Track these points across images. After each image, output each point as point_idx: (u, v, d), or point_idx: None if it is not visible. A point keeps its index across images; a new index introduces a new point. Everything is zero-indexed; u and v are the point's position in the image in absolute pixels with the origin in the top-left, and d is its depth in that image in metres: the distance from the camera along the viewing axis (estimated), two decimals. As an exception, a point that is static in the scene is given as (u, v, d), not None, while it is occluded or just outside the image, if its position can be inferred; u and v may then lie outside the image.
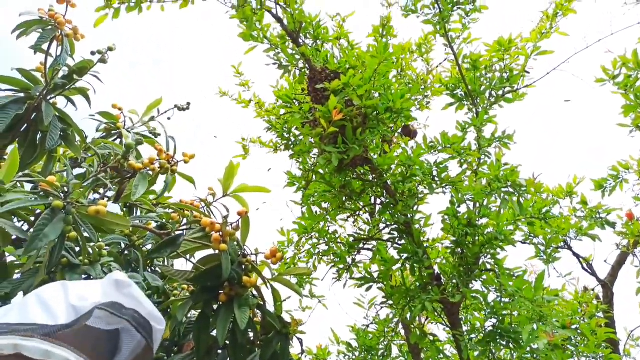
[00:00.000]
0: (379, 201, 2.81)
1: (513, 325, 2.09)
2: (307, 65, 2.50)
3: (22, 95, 1.88)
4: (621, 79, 2.43)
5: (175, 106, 2.52)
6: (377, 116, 2.23)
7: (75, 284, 0.63)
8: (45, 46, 1.86)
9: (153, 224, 2.10)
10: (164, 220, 2.12)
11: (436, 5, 2.72)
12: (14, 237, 1.50)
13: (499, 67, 2.81)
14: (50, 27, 1.89)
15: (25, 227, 1.76)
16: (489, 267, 2.45)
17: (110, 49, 2.10)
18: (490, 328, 2.24)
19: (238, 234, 1.83)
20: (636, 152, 2.84)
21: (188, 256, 1.97)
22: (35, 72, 1.96)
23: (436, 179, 2.27)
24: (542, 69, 2.95)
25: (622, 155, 2.88)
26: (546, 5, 2.88)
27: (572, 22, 2.81)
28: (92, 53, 2.04)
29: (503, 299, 2.21)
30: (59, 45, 1.92)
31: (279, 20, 2.57)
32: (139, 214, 2.27)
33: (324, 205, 2.81)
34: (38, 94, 1.87)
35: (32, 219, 1.77)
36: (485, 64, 2.80)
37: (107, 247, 1.86)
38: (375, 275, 2.60)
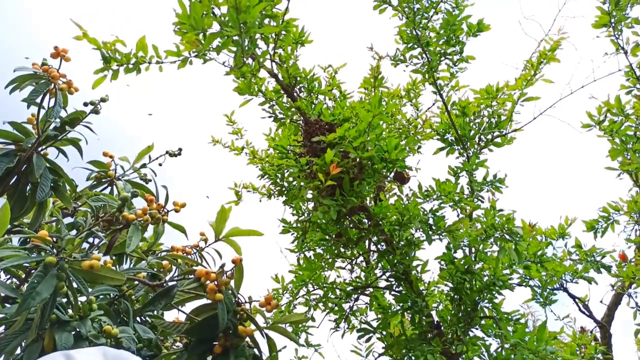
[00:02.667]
0: (374, 248, 2.80)
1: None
2: (302, 118, 2.55)
3: (13, 147, 1.87)
4: (606, 124, 2.50)
5: (167, 152, 2.52)
6: (372, 166, 2.27)
7: (91, 357, 0.60)
8: (38, 99, 1.88)
9: (143, 274, 2.06)
10: (155, 269, 2.08)
11: (424, 55, 2.81)
12: (3, 295, 1.45)
13: (487, 112, 2.89)
14: (43, 81, 1.90)
15: (14, 282, 1.72)
16: (487, 312, 2.43)
17: (103, 100, 2.12)
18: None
19: (232, 282, 1.80)
20: (625, 194, 2.89)
21: (180, 306, 1.93)
22: (27, 124, 1.96)
23: (433, 227, 2.28)
24: (529, 114, 3.04)
25: (611, 197, 2.94)
26: (530, 53, 2.99)
27: (556, 69, 2.92)
28: (85, 104, 2.06)
29: (504, 346, 2.17)
30: (52, 98, 1.93)
31: (274, 75, 2.64)
32: (129, 261, 2.23)
33: (319, 251, 2.80)
34: (29, 145, 1.86)
35: (21, 273, 1.72)
36: (474, 109, 2.87)
37: (98, 298, 1.81)
38: (374, 323, 2.55)
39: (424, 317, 2.40)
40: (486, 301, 2.42)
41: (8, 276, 1.72)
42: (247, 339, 1.76)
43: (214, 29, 1.69)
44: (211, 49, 1.74)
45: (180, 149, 2.51)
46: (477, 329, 2.47)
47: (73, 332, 1.57)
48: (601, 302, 3.74)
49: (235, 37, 1.61)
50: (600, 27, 2.66)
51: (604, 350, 3.46)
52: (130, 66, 2.19)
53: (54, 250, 1.40)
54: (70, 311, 1.68)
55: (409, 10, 2.68)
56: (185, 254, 1.96)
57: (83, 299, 1.64)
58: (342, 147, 2.29)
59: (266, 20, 1.83)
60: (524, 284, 2.72)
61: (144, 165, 2.40)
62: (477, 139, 2.92)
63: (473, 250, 2.49)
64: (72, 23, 2.09)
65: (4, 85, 1.88)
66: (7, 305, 1.67)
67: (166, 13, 1.94)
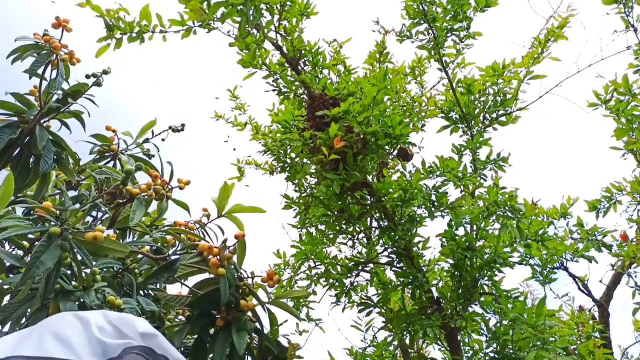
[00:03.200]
0: (376, 224, 2.81)
1: (514, 350, 2.08)
2: (306, 92, 2.53)
3: (15, 119, 1.87)
4: (613, 103, 2.48)
5: (170, 127, 2.51)
6: (376, 142, 2.26)
7: (95, 317, 0.60)
8: (40, 70, 1.86)
9: (147, 248, 2.08)
10: (159, 244, 2.09)
11: (430, 31, 2.77)
12: (8, 264, 1.47)
13: (492, 90, 2.86)
14: (45, 52, 1.89)
15: (19, 254, 1.73)
16: (486, 289, 2.45)
17: (105, 72, 2.10)
18: (492, 354, 2.23)
19: (234, 257, 1.81)
20: (628, 174, 2.88)
21: (182, 280, 1.95)
22: (29, 96, 1.95)
23: (435, 203, 2.28)
24: (534, 93, 3.01)
25: (614, 177, 2.93)
26: (538, 31, 2.94)
27: (563, 47, 2.88)
28: (87, 76, 2.04)
29: (503, 322, 2.20)
30: (54, 69, 1.92)
31: (278, 48, 2.61)
32: (132, 236, 2.25)
33: (321, 227, 2.81)
34: (32, 117, 1.86)
35: (25, 243, 1.74)
36: (479, 87, 2.84)
37: (102, 270, 1.83)
38: (374, 299, 2.58)
39: (424, 293, 2.42)
40: (486, 278, 2.44)
41: (12, 246, 1.73)
42: (249, 313, 1.79)
43: (219, -4, 1.67)
44: (215, 18, 1.71)
45: (183, 125, 2.50)
46: (476, 305, 2.49)
47: (77, 302, 1.59)
48: (600, 281, 3.77)
49: (240, 7, 1.58)
50: (610, 4, 2.60)
51: (601, 329, 3.50)
52: (134, 35, 2.16)
53: (58, 222, 1.41)
54: (74, 282, 1.70)
55: (416, -16, 2.64)
56: (187, 229, 1.98)
57: (87, 271, 1.66)
58: (346, 122, 2.28)
59: (271, -9, 1.80)
60: (524, 262, 2.74)
61: (146, 140, 2.40)
62: (481, 117, 2.90)
63: (475, 227, 2.50)
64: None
65: (5, 55, 1.87)
66: (11, 276, 1.69)
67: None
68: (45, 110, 1.89)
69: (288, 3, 2.32)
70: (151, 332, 0.62)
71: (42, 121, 1.90)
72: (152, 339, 0.61)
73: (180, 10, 1.90)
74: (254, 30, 2.30)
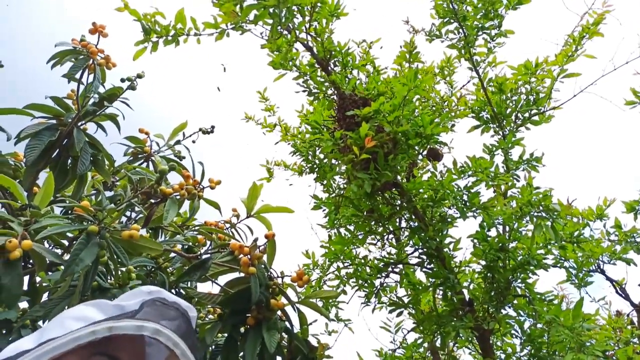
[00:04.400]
0: (405, 225, 2.79)
1: (550, 353, 2.03)
2: (336, 92, 2.53)
3: (54, 122, 1.93)
4: (651, 101, 2.39)
5: (200, 129, 2.55)
6: (406, 141, 2.24)
7: (104, 300, 0.68)
8: (77, 74, 1.92)
9: (179, 247, 2.12)
10: (191, 243, 2.13)
11: (461, 30, 2.73)
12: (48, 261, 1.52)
13: (524, 89, 2.79)
14: (82, 57, 1.95)
15: (58, 251, 1.79)
16: (519, 291, 2.40)
17: (139, 76, 2.16)
18: (525, 358, 2.18)
19: (264, 257, 1.83)
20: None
21: (213, 279, 1.97)
22: (67, 100, 2.02)
23: (467, 203, 2.25)
24: (569, 91, 2.93)
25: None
26: (572, 28, 2.87)
27: (599, 44, 2.79)
28: (122, 80, 2.10)
29: (538, 325, 2.15)
30: (91, 74, 1.98)
31: (309, 49, 2.63)
32: (164, 236, 2.29)
33: (350, 227, 2.80)
34: (70, 120, 1.92)
35: (64, 242, 1.79)
36: (511, 86, 2.78)
37: (136, 269, 1.87)
38: (405, 299, 2.56)
39: (455, 294, 2.39)
40: (519, 281, 2.39)
41: (52, 244, 1.79)
42: (279, 312, 1.80)
43: (251, 0, 1.69)
44: (248, 20, 1.74)
45: (213, 127, 2.54)
46: (509, 307, 2.44)
47: (113, 299, 1.63)
48: (639, 285, 3.63)
49: (272, 9, 1.60)
50: (649, -2, 2.52)
51: (640, 335, 3.38)
52: (169, 38, 2.22)
53: (96, 220, 1.45)
54: (110, 280, 1.74)
55: (446, -17, 2.61)
56: (218, 229, 2.01)
57: (123, 269, 1.70)
58: (376, 122, 2.27)
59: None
60: (559, 264, 2.67)
61: (178, 142, 2.45)
62: (513, 117, 2.84)
63: (507, 228, 2.44)
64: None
65: (45, 61, 1.94)
66: (50, 273, 1.75)
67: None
68: (83, 113, 1.95)
69: (319, 4, 2.33)
70: (156, 289, 0.71)
71: (79, 124, 1.97)
72: (160, 293, 0.70)
73: (213, 14, 1.94)
74: (286, 32, 2.32)
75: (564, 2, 3.00)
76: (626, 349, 2.46)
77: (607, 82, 2.99)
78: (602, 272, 3.16)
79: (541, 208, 2.08)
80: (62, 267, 1.39)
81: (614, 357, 2.39)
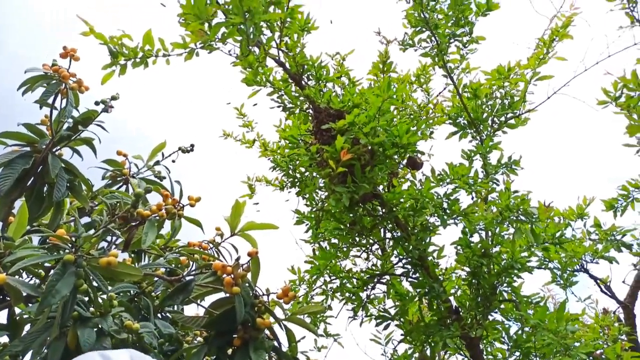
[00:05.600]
0: (389, 235, 2.79)
1: (540, 357, 2.03)
2: (311, 106, 2.54)
3: (28, 149, 1.90)
4: (623, 100, 2.44)
5: (179, 149, 2.52)
6: (384, 152, 2.25)
7: (122, 357, 0.62)
8: (50, 100, 1.89)
9: (162, 269, 2.08)
10: (173, 265, 2.10)
11: (433, 39, 2.77)
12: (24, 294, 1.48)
13: (499, 94, 2.84)
14: (54, 81, 1.92)
15: (35, 282, 1.74)
16: (506, 295, 2.41)
17: (114, 98, 2.13)
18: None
19: (249, 275, 1.80)
20: (644, 172, 2.82)
21: (198, 301, 1.94)
22: (41, 126, 1.99)
23: (447, 211, 2.26)
24: (543, 94, 2.99)
25: (630, 175, 2.87)
26: (542, 31, 2.93)
27: (569, 46, 2.86)
28: (96, 103, 2.07)
29: (524, 329, 2.16)
30: (64, 98, 1.95)
31: (281, 64, 2.63)
32: (147, 259, 2.26)
33: (334, 241, 2.79)
34: (44, 146, 1.88)
35: (41, 272, 1.75)
36: (486, 91, 2.83)
37: (119, 295, 1.83)
38: (392, 311, 2.55)
39: (441, 303, 2.39)
40: (505, 285, 2.40)
41: (30, 276, 1.75)
42: (266, 331, 1.77)
43: (219, 18, 1.69)
44: (217, 39, 1.74)
45: (192, 145, 2.52)
46: (496, 312, 2.45)
47: (95, 329, 1.59)
48: (623, 282, 3.68)
49: (241, 26, 1.60)
50: (613, 0, 2.59)
51: (628, 331, 3.41)
52: (138, 60, 2.20)
53: (72, 248, 1.42)
54: (92, 308, 1.70)
55: (416, -7, 2.64)
56: (201, 249, 1.98)
57: (104, 296, 1.66)
58: (352, 134, 2.28)
59: (270, 8, 1.82)
60: (543, 266, 2.69)
61: (157, 163, 2.42)
62: (490, 122, 2.88)
63: (489, 233, 2.46)
64: (79, 19, 2.10)
65: (16, 87, 1.90)
66: (30, 305, 1.71)
67: (171, 5, 1.94)
68: (57, 139, 1.92)
69: (288, 19, 2.34)
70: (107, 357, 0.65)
71: (54, 149, 1.93)
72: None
73: (182, 33, 1.94)
74: (256, 49, 2.33)
75: (533, 6, 3.07)
76: (614, 347, 2.48)
77: (579, 82, 3.05)
78: (586, 271, 3.20)
79: (520, 212, 2.10)
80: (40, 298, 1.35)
81: (603, 356, 2.41)
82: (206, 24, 1.70)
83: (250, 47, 1.77)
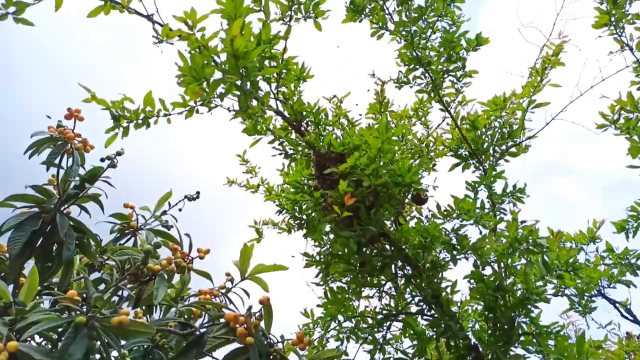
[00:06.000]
0: (400, 273, 2.77)
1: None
2: (312, 151, 2.57)
3: (36, 210, 1.92)
4: (622, 122, 2.47)
5: (185, 197, 2.54)
6: (387, 192, 2.26)
7: None
8: (56, 160, 1.93)
9: (173, 322, 2.06)
10: (185, 317, 2.08)
11: (427, 75, 2.83)
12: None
13: (498, 123, 2.87)
14: (60, 142, 1.96)
15: (47, 347, 1.72)
16: (525, 327, 2.36)
17: (119, 154, 2.17)
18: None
19: (262, 323, 1.78)
20: (651, 189, 2.81)
21: (212, 352, 1.91)
22: (48, 186, 2.02)
23: (457, 247, 2.25)
24: (541, 120, 3.02)
25: (636, 196, 2.86)
26: (534, 60, 2.99)
27: (563, 72, 2.91)
28: (102, 159, 2.11)
29: (547, 362, 2.10)
30: (69, 157, 1.98)
31: (279, 113, 2.68)
32: (158, 310, 2.23)
33: (345, 280, 2.77)
34: (52, 206, 1.90)
35: (53, 335, 1.73)
36: (484, 122, 2.86)
37: (132, 351, 1.80)
38: (409, 350, 2.49)
39: (460, 341, 2.33)
40: (522, 316, 2.35)
41: (42, 339, 1.73)
42: (283, 379, 1.73)
43: (216, 76, 1.74)
44: (215, 95, 1.78)
45: (198, 193, 2.54)
46: (516, 347, 2.39)
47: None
48: (643, 304, 3.60)
49: (237, 82, 1.64)
50: (601, 27, 2.64)
51: (653, 354, 3.31)
52: (140, 121, 2.25)
53: (84, 309, 1.41)
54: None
55: (407, 33, 2.72)
56: (212, 296, 1.96)
57: (116, 354, 1.64)
58: (355, 176, 2.29)
59: (266, 62, 1.87)
60: (560, 293, 2.64)
61: (164, 213, 2.43)
62: (491, 151, 2.90)
63: (502, 265, 2.43)
64: (81, 87, 2.17)
65: (23, 150, 1.94)
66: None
67: (169, 65, 2.00)
68: (64, 198, 1.94)
69: (284, 71, 2.41)
70: None
71: (62, 209, 1.95)
72: None
73: (181, 92, 1.98)
74: (254, 102, 2.38)
75: (523, 36, 3.14)
76: (641, 373, 2.40)
77: (576, 106, 3.09)
78: (604, 295, 3.13)
79: (529, 243, 2.08)
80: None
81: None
82: (205, 82, 1.74)
83: (248, 102, 1.81)
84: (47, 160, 1.93)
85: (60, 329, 1.63)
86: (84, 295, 1.59)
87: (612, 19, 2.52)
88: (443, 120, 3.58)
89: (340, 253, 2.45)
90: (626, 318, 3.46)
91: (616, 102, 2.50)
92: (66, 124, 2.01)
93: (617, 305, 3.32)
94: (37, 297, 1.77)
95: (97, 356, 1.67)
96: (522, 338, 2.35)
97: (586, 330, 2.34)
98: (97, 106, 2.31)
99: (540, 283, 2.33)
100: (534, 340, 2.23)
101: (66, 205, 1.99)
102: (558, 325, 2.46)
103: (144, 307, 2.18)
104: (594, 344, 2.39)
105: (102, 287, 1.96)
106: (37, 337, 1.77)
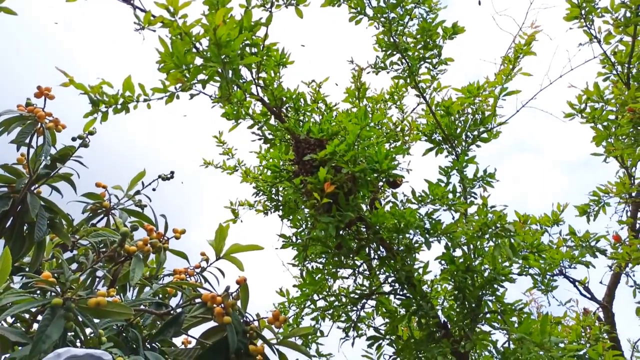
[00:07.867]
0: (375, 255, 2.83)
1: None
2: (291, 137, 2.58)
3: (5, 189, 1.88)
4: (588, 111, 2.56)
5: (159, 176, 2.51)
6: (365, 178, 2.30)
7: None
8: (26, 140, 1.88)
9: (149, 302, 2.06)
10: (160, 296, 2.08)
11: (404, 61, 2.86)
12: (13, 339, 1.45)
13: (471, 110, 2.94)
14: (30, 122, 1.91)
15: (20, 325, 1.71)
16: (491, 305, 2.47)
17: (91, 133, 2.13)
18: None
19: (238, 302, 1.81)
20: (612, 177, 2.95)
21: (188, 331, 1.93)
22: (17, 165, 1.97)
23: (430, 231, 2.32)
24: (512, 107, 3.11)
25: (599, 180, 2.99)
26: (506, 48, 3.05)
27: (533, 61, 2.99)
28: (74, 139, 2.07)
29: (511, 341, 2.21)
30: (40, 137, 1.94)
31: (260, 99, 2.68)
32: (132, 289, 2.23)
33: (321, 260, 2.81)
34: (22, 186, 1.87)
35: (27, 316, 1.72)
36: (458, 108, 2.92)
37: (107, 330, 1.81)
38: (382, 328, 2.57)
39: (430, 318, 2.43)
40: (489, 295, 2.46)
41: (13, 319, 1.71)
42: (259, 356, 1.77)
43: (198, 61, 1.72)
44: (196, 81, 1.76)
45: (172, 172, 2.52)
46: (483, 324, 2.50)
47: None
48: (601, 282, 3.80)
49: (219, 69, 1.64)
50: (571, 20, 2.72)
51: (608, 329, 3.51)
52: (119, 106, 2.21)
53: (59, 290, 1.41)
54: (78, 344, 1.68)
55: (385, 20, 2.73)
56: (187, 275, 1.97)
57: (89, 330, 1.64)
58: (333, 162, 2.32)
59: (247, 49, 1.86)
60: (524, 273, 2.77)
61: (137, 192, 2.41)
62: (464, 137, 2.97)
63: (471, 247, 2.52)
64: (58, 71, 2.11)
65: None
66: (21, 348, 1.67)
67: (150, 51, 1.96)
68: (35, 178, 1.90)
69: (264, 58, 2.40)
70: (65, 350, 0.75)
71: (32, 188, 1.92)
72: (69, 352, 0.70)
73: (161, 77, 1.96)
74: (235, 88, 2.36)
75: (497, 24, 3.20)
76: (596, 347, 2.56)
77: (546, 94, 3.18)
78: (565, 275, 3.29)
79: (497, 227, 2.17)
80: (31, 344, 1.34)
81: (586, 357, 2.48)
82: (185, 69, 1.73)
83: (230, 91, 1.80)
84: (16, 139, 1.88)
85: (33, 309, 1.62)
86: (56, 275, 1.58)
87: (583, 12, 2.60)
88: (417, 105, 3.64)
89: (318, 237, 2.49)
90: (584, 296, 3.66)
91: (583, 92, 2.59)
92: (36, 102, 1.96)
93: (577, 284, 3.50)
94: (8, 278, 1.75)
95: (71, 334, 1.67)
96: (488, 315, 2.47)
97: (547, 307, 2.47)
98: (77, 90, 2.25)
99: (506, 264, 2.44)
100: (499, 317, 2.34)
101: (37, 185, 1.96)
102: (521, 302, 2.59)
103: (117, 287, 2.18)
104: (554, 319, 2.52)
105: (74, 266, 1.95)
106: (8, 317, 1.76)
